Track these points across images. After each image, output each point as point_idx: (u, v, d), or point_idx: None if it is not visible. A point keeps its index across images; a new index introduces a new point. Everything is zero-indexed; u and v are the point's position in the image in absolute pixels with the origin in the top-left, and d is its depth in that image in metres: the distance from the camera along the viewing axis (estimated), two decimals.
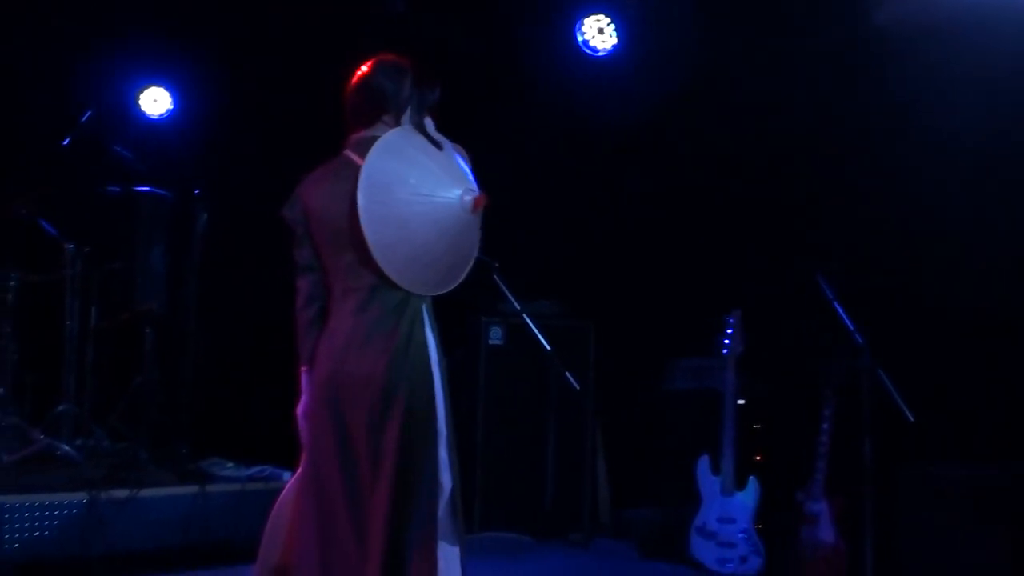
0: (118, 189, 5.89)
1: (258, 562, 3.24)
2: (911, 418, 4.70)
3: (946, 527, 4.62)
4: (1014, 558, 4.45)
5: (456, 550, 3.09)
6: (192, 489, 5.03)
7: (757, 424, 5.75)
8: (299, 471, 3.17)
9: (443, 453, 3.08)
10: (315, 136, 6.32)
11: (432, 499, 3.03)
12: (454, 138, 3.21)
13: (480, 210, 3.10)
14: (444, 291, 3.14)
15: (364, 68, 3.23)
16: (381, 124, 3.16)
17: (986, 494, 4.56)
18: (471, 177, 3.15)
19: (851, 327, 4.99)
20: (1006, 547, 4.46)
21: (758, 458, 5.66)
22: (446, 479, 3.09)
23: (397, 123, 3.15)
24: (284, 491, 3.25)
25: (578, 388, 5.84)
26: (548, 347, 5.81)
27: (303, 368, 3.19)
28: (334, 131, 6.17)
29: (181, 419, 5.69)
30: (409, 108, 3.15)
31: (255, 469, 5.42)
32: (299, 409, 3.20)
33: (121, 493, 4.78)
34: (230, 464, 5.47)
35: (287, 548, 3.16)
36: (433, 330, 3.11)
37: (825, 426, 5.14)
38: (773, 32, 5.64)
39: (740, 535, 5.26)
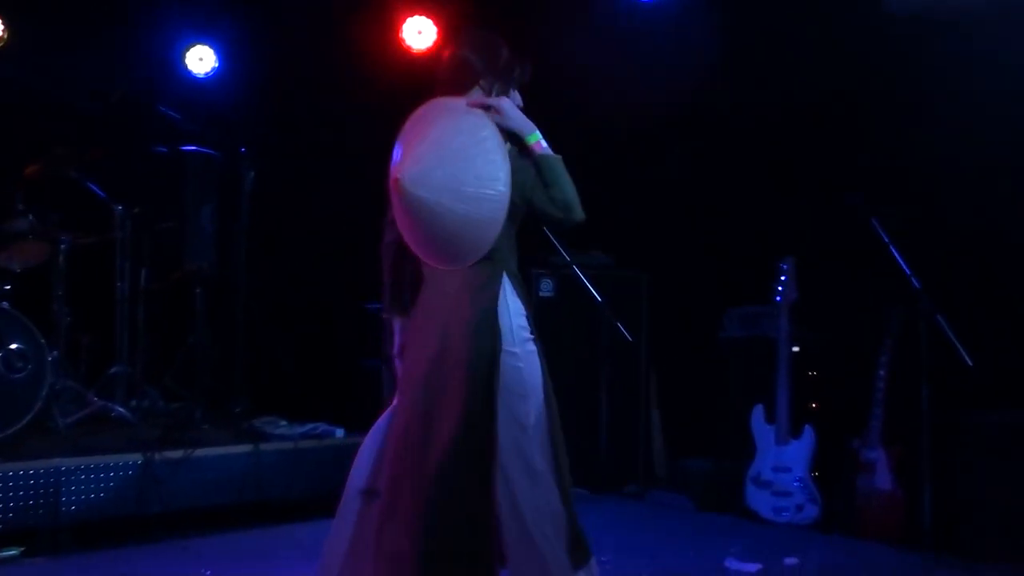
0: (165, 149, 5.91)
1: (347, 485, 3.33)
2: (970, 363, 4.57)
3: (1005, 475, 4.51)
4: None
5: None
6: (246, 448, 5.07)
7: (813, 371, 5.66)
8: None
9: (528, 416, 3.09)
10: (360, 92, 6.36)
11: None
12: None
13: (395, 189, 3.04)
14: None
15: (456, 40, 3.30)
16: (478, 91, 3.20)
17: None
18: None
19: (908, 272, 4.85)
20: None
21: (814, 406, 5.58)
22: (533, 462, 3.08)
23: (489, 92, 3.19)
24: (379, 419, 3.35)
25: (631, 339, 5.77)
26: (600, 298, 5.74)
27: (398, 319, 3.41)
28: (378, 87, 6.19)
29: (234, 378, 5.73)
30: (498, 82, 3.20)
31: (308, 427, 5.44)
32: (395, 349, 3.41)
33: (175, 453, 4.82)
34: (283, 422, 5.50)
35: (375, 471, 3.25)
36: (511, 312, 3.10)
37: (882, 373, 5.04)
38: None
39: (795, 484, 5.19)
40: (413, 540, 3.02)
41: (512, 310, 3.11)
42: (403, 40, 6.32)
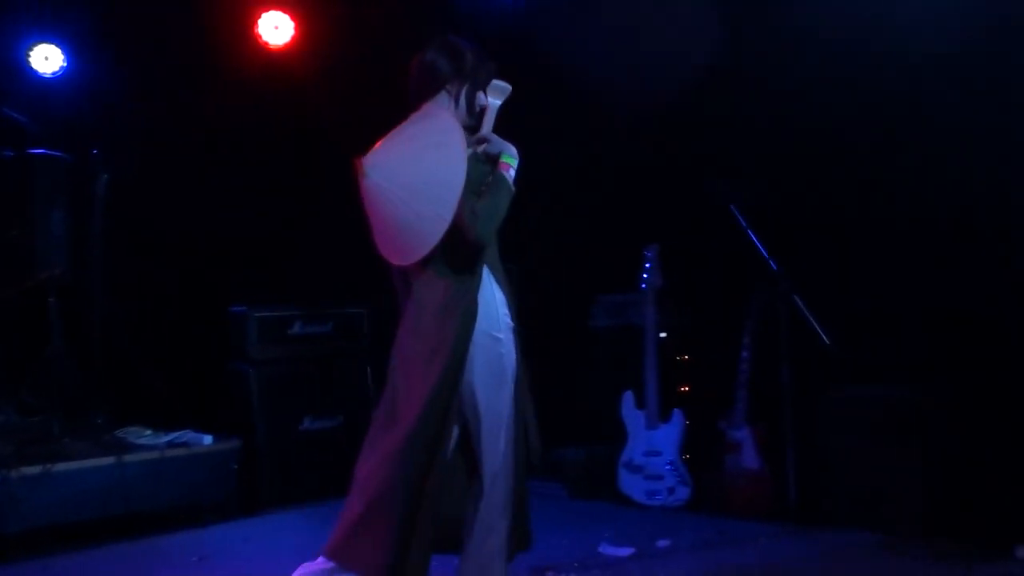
0: (11, 153, 5.64)
1: None
2: (828, 342, 4.73)
3: (862, 447, 4.69)
4: (925, 472, 4.53)
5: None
6: (109, 460, 4.90)
7: (683, 356, 5.77)
8: None
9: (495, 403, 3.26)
10: (217, 89, 6.20)
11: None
12: None
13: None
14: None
15: (424, 47, 3.41)
16: (444, 95, 3.32)
17: (899, 413, 4.63)
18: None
19: (766, 255, 4.99)
20: (917, 462, 4.54)
21: (685, 389, 5.69)
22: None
23: (457, 95, 3.31)
24: None
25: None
26: None
27: None
28: (235, 83, 6.05)
29: (94, 388, 5.53)
30: (465, 86, 3.32)
31: (174, 435, 5.29)
32: None
33: (33, 469, 4.63)
34: (148, 432, 5.34)
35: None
36: (497, 301, 3.26)
37: (745, 354, 5.17)
38: None
39: (667, 467, 5.29)
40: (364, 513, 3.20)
41: (498, 299, 3.27)
42: (260, 36, 6.19)
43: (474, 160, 3.21)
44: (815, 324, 4.79)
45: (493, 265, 3.32)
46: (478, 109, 3.36)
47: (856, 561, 4.33)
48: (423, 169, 3.15)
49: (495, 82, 3.38)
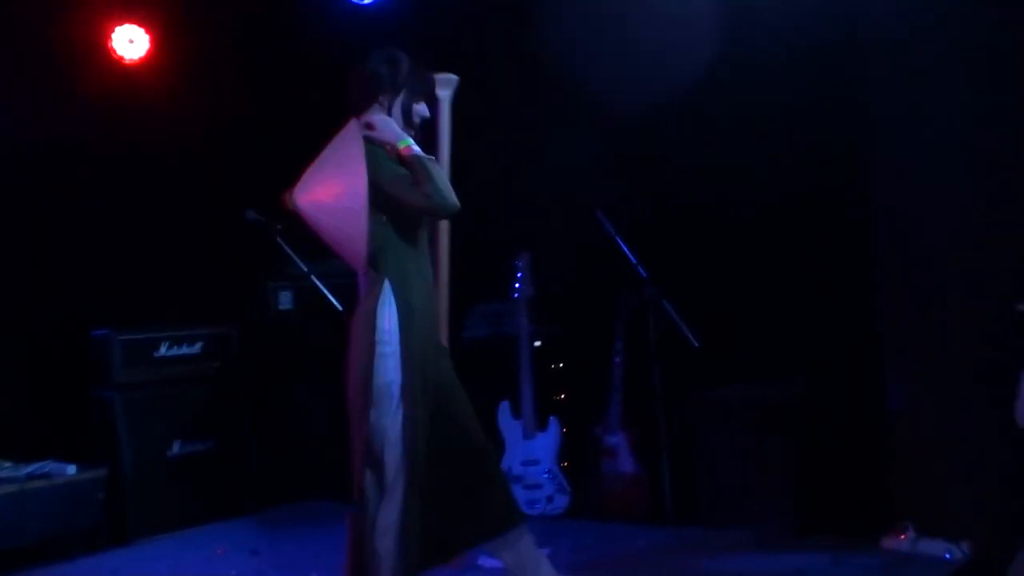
0: None
1: None
2: (696, 345, 4.83)
3: (734, 447, 4.80)
4: (796, 469, 4.66)
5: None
6: None
7: (558, 364, 5.81)
8: None
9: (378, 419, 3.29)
10: (69, 103, 5.97)
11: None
12: None
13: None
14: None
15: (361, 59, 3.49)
16: (377, 107, 3.40)
17: (767, 412, 4.76)
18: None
19: (634, 260, 5.06)
20: (788, 460, 4.67)
21: (562, 397, 5.73)
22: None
23: (389, 106, 3.40)
24: None
25: None
26: (340, 307, 5.66)
27: None
28: (89, 97, 5.83)
29: None
30: (401, 94, 3.40)
31: (35, 466, 5.07)
32: None
33: None
34: (7, 464, 5.09)
35: None
36: (390, 305, 3.32)
37: (617, 359, 5.24)
38: None
39: (545, 475, 5.32)
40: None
41: (388, 312, 3.30)
42: (114, 49, 6.00)
43: (379, 158, 3.29)
44: (684, 327, 4.89)
45: (394, 278, 3.33)
46: (416, 119, 3.44)
47: (729, 558, 4.42)
48: (334, 175, 3.31)
49: (439, 76, 3.49)
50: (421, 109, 3.45)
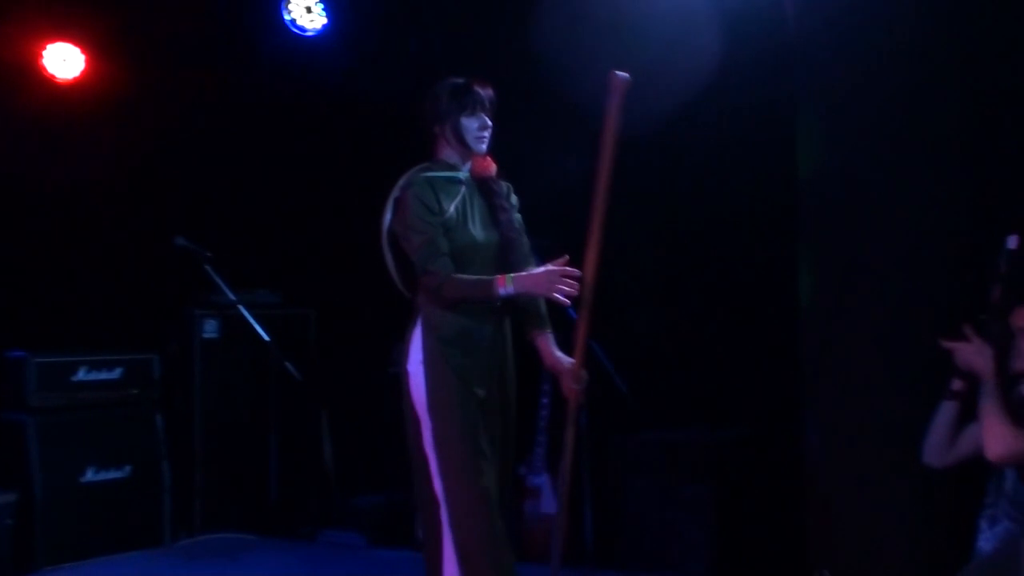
0: None
1: None
2: (624, 390, 4.86)
3: (655, 490, 4.84)
4: (716, 515, 4.70)
5: None
6: None
7: None
8: None
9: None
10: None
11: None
12: None
13: None
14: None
15: None
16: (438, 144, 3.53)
17: (687, 455, 4.80)
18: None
19: (564, 303, 5.07)
20: (708, 506, 4.71)
21: None
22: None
23: (447, 140, 3.48)
24: None
25: (300, 378, 5.68)
26: (267, 338, 5.62)
27: None
28: (20, 118, 5.72)
29: None
30: (449, 121, 3.46)
31: None
32: None
33: None
34: None
35: None
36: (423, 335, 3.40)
37: (545, 401, 5.24)
38: None
39: None
40: None
41: (417, 343, 3.40)
42: (45, 68, 5.90)
43: (426, 185, 3.37)
44: (612, 372, 4.92)
45: (427, 312, 3.43)
46: (470, 137, 3.44)
47: None
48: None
49: (616, 75, 3.33)
50: (469, 125, 3.44)
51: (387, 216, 3.44)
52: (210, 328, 5.95)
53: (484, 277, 3.34)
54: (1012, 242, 3.20)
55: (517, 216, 3.58)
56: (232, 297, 5.62)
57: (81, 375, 5.49)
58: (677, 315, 5.17)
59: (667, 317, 5.20)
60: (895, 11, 4.08)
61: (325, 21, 6.02)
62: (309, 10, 6.02)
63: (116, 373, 5.63)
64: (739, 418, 4.92)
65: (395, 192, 3.44)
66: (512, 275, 3.34)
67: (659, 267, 5.24)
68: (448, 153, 3.50)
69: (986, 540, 3.22)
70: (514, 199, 3.61)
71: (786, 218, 4.67)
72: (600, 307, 5.13)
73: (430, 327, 3.37)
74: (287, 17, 6.00)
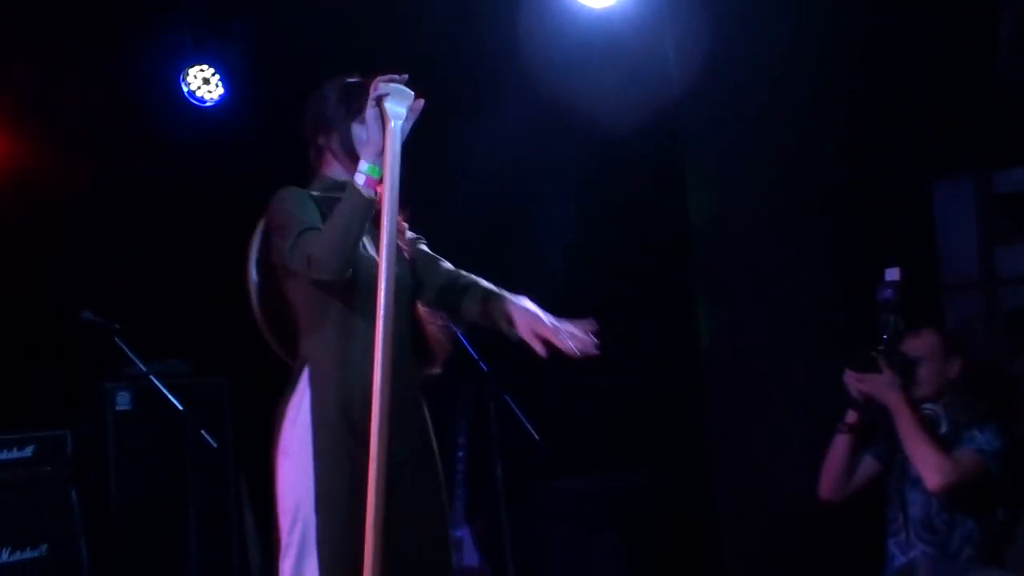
0: None
1: None
2: (537, 438, 4.95)
3: (572, 538, 4.92)
4: (628, 555, 4.80)
5: None
6: None
7: None
8: None
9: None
10: None
11: None
12: None
13: None
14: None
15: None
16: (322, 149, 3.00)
17: (601, 503, 4.90)
18: None
19: (475, 356, 5.17)
20: (622, 546, 4.82)
21: None
22: None
23: (336, 146, 2.92)
24: None
25: (216, 446, 5.65)
26: (180, 407, 5.58)
27: None
28: None
29: None
30: (338, 128, 2.89)
31: None
32: None
33: None
34: None
35: None
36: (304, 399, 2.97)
37: (460, 454, 5.31)
38: None
39: None
40: None
41: (299, 409, 2.96)
42: None
43: (302, 194, 2.85)
44: (525, 421, 5.00)
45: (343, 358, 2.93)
46: (368, 142, 2.72)
47: None
48: None
49: (389, 86, 2.68)
50: (361, 133, 2.77)
51: (252, 254, 3.00)
52: (123, 400, 5.89)
53: (343, 206, 2.68)
54: (893, 274, 3.32)
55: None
56: (143, 368, 5.58)
57: None
58: (583, 364, 5.28)
59: (574, 366, 5.31)
60: (776, 65, 4.30)
61: (222, 91, 6.08)
62: (207, 81, 6.08)
63: (28, 451, 5.53)
64: (650, 462, 5.03)
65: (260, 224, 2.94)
66: (362, 162, 2.70)
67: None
68: (335, 169, 2.91)
69: (902, 565, 3.25)
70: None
71: (683, 263, 4.85)
72: (509, 359, 5.29)
73: (318, 391, 2.82)
74: (185, 89, 6.05)
